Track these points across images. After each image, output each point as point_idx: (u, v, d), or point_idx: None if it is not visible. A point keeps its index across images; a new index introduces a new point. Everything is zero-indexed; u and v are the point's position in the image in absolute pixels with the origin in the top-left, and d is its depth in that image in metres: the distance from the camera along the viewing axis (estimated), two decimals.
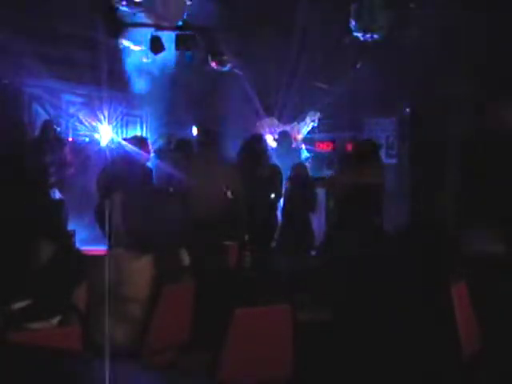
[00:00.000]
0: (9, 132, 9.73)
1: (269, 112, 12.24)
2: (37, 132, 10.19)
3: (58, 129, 10.48)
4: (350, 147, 10.78)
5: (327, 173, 10.88)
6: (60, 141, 10.03)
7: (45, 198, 7.82)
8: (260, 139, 9.41)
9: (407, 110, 11.16)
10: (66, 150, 9.78)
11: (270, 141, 12.10)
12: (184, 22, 10.71)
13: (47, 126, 10.01)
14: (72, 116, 11.68)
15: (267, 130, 12.17)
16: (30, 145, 9.42)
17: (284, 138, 10.51)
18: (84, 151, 11.08)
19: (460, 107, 10.04)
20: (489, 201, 8.93)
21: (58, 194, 9.57)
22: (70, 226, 9.11)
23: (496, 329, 4.91)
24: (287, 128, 12.05)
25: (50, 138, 9.68)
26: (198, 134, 8.57)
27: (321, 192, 9.75)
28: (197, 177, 7.64)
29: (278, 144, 11.07)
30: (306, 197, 9.41)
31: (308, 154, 12.12)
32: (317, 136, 12.86)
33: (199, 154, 8.31)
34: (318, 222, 9.76)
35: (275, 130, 12.15)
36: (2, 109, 10.23)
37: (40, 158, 8.99)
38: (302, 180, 9.47)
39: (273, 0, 10.86)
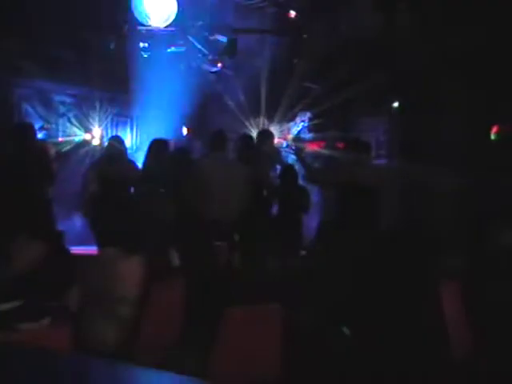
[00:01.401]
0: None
1: (258, 112, 12.24)
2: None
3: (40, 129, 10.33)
4: (340, 147, 10.77)
5: None
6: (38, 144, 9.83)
7: (34, 198, 7.81)
8: (246, 139, 9.42)
9: (395, 105, 11.17)
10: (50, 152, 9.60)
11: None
12: (175, 22, 10.72)
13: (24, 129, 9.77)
14: (62, 116, 11.65)
15: (257, 130, 12.17)
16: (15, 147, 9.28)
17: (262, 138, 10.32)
18: (73, 152, 11.07)
19: (450, 106, 10.06)
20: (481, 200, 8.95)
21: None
22: (59, 227, 9.10)
23: (488, 328, 4.93)
24: (275, 128, 12.02)
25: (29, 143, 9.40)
26: (212, 137, 8.39)
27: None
28: (218, 177, 7.72)
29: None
30: (297, 197, 9.40)
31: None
32: (307, 136, 12.87)
33: (215, 155, 8.23)
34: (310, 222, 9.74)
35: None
36: None
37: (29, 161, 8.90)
38: (292, 181, 9.46)
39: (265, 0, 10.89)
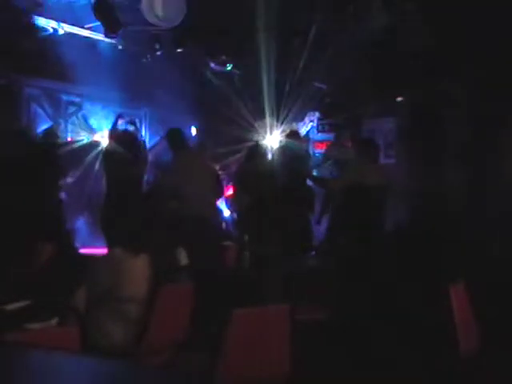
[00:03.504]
0: (9, 133, 9.72)
1: (267, 112, 12.22)
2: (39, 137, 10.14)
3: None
4: (349, 147, 10.76)
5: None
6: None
7: (44, 198, 7.83)
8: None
9: (399, 99, 11.14)
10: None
11: (271, 141, 12.11)
12: (183, 22, 10.71)
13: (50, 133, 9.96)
14: (71, 116, 11.68)
15: (266, 130, 12.18)
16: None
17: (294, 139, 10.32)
18: (83, 151, 11.09)
19: (458, 106, 10.04)
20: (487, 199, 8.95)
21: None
22: (69, 226, 9.12)
23: (495, 328, 4.92)
24: (293, 127, 11.99)
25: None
26: (170, 137, 8.60)
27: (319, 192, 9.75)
28: (189, 175, 7.83)
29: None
30: (305, 197, 9.41)
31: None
32: (316, 136, 12.86)
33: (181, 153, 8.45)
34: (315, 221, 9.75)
35: (273, 131, 12.15)
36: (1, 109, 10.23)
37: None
38: (300, 180, 9.47)
39: (271, 0, 10.87)
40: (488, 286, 5.67)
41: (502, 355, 4.60)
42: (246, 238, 8.29)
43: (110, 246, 4.75)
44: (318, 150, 12.38)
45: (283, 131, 11.83)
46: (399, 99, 11.11)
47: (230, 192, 10.14)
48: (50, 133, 10.00)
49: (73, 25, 10.50)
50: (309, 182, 9.70)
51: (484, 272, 6.18)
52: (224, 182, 10.07)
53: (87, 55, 10.90)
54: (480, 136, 9.48)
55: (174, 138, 8.57)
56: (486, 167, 9.14)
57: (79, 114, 11.74)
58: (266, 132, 12.17)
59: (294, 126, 12.23)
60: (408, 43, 9.89)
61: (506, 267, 6.56)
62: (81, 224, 10.43)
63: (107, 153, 9.36)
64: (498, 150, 9.18)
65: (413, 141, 10.81)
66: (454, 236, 7.20)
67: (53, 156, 8.77)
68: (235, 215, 9.65)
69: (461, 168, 9.63)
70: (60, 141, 10.27)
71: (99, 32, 10.51)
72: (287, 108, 12.09)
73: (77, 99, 11.77)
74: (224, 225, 10.03)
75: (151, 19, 9.76)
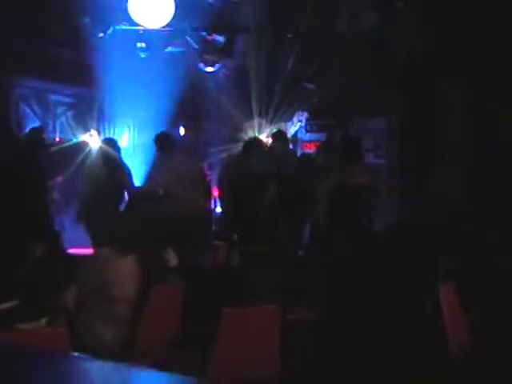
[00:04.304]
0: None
1: (255, 112, 12.20)
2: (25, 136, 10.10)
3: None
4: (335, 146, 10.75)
5: None
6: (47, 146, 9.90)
7: (34, 199, 7.80)
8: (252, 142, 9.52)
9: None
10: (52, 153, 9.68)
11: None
12: (172, 22, 10.70)
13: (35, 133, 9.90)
14: (59, 116, 11.65)
15: (254, 130, 12.16)
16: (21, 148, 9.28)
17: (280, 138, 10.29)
18: (71, 151, 11.04)
19: (449, 106, 10.06)
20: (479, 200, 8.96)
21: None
22: (58, 227, 9.08)
23: (485, 327, 4.93)
24: (281, 127, 11.96)
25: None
26: (161, 140, 8.75)
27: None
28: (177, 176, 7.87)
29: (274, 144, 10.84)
30: (296, 197, 9.39)
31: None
32: (304, 136, 12.85)
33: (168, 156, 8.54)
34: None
35: (262, 131, 12.13)
36: None
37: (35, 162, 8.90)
38: (291, 181, 9.45)
39: (262, 0, 10.87)
40: (486, 286, 5.68)
41: (493, 353, 4.61)
42: (236, 237, 8.29)
43: (95, 245, 4.73)
44: (307, 151, 12.37)
45: (271, 131, 11.81)
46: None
47: (216, 193, 10.11)
48: (37, 133, 9.95)
49: None
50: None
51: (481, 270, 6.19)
52: (212, 184, 10.08)
53: (75, 55, 10.89)
54: (475, 136, 9.50)
55: (162, 141, 8.64)
56: (482, 167, 9.15)
57: (68, 114, 11.71)
58: (254, 132, 12.15)
59: (283, 126, 12.21)
60: (400, 43, 9.90)
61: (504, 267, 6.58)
62: (70, 224, 10.39)
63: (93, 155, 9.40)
64: (495, 150, 9.20)
65: (403, 141, 10.81)
66: (444, 235, 7.21)
67: (40, 156, 8.73)
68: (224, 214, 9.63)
69: (454, 168, 9.65)
70: (47, 141, 10.23)
71: None
72: (276, 108, 12.08)
73: (65, 99, 11.74)
74: (214, 224, 10.00)
75: (138, 19, 9.75)
